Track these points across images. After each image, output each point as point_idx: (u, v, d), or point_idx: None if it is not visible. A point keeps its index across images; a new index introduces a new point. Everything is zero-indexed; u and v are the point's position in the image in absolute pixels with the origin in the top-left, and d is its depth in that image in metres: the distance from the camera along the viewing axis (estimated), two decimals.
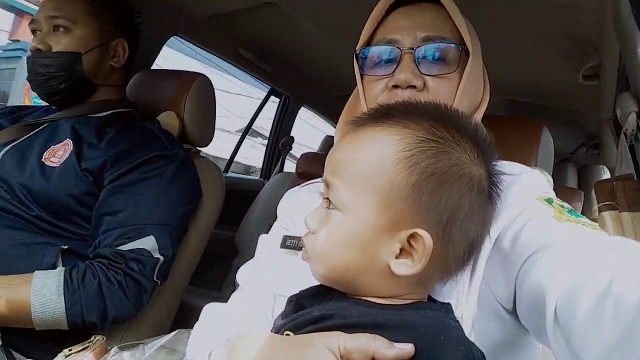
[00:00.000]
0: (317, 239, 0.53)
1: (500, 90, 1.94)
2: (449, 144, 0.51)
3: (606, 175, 2.66)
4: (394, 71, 0.69)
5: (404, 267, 0.50)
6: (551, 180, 0.91)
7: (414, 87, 0.67)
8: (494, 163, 0.55)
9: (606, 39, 1.10)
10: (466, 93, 0.69)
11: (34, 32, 1.15)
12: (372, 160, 0.51)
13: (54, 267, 0.97)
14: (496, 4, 1.22)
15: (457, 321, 0.51)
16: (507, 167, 0.67)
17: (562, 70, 1.53)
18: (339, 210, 0.52)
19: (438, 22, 0.70)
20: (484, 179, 0.53)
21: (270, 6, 1.46)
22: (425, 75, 0.68)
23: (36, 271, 0.94)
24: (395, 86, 0.68)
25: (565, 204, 0.60)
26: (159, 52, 1.71)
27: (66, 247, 1.01)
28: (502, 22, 1.33)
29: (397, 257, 0.50)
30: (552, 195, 0.63)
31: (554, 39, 1.38)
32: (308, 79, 2.32)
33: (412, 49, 0.68)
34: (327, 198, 0.54)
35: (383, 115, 0.55)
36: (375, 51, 0.72)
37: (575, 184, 2.78)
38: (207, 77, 1.38)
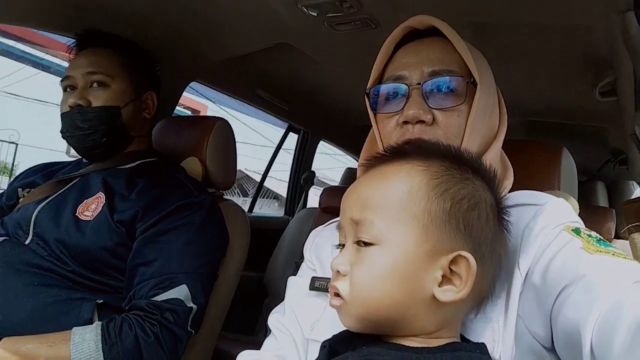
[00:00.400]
0: (354, 280, 0.52)
1: (520, 111, 1.93)
2: (466, 173, 0.54)
3: (637, 190, 2.59)
4: (403, 107, 0.70)
5: (450, 293, 0.50)
6: (576, 204, 0.90)
7: (423, 122, 0.68)
8: (500, 192, 0.58)
9: (619, 57, 1.09)
10: (477, 124, 0.69)
11: (66, 88, 1.19)
12: (403, 191, 0.52)
13: (90, 322, 0.98)
14: (506, 30, 1.23)
15: None
16: (531, 197, 0.67)
17: (579, 89, 1.52)
18: (376, 245, 0.51)
19: (444, 56, 0.71)
20: (495, 205, 0.56)
21: (284, 46, 1.51)
22: (434, 109, 0.69)
23: (74, 327, 0.95)
24: (406, 122, 0.69)
25: (594, 233, 0.59)
26: (179, 99, 1.76)
27: (101, 301, 1.02)
28: (514, 47, 1.35)
29: (439, 285, 0.50)
30: (580, 224, 0.62)
31: (568, 59, 1.38)
32: (324, 113, 2.35)
33: (420, 84, 0.69)
34: (359, 240, 0.53)
35: (399, 153, 0.57)
36: (385, 89, 0.73)
37: (606, 201, 2.71)
38: (226, 120, 1.42)
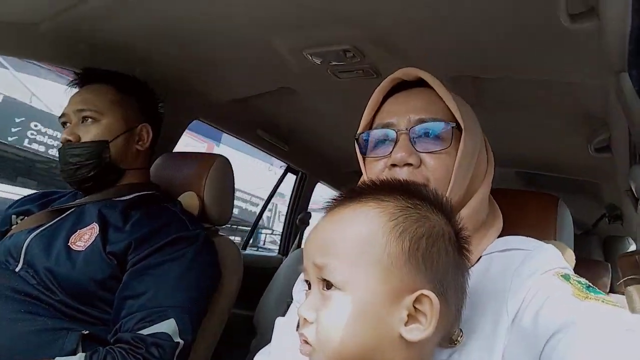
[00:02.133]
0: (320, 326, 0.52)
1: (516, 163, 1.96)
2: (423, 209, 0.55)
3: (632, 246, 2.59)
4: (391, 151, 0.72)
5: (416, 332, 0.50)
6: (572, 254, 0.90)
7: (411, 164, 0.70)
8: (456, 222, 0.58)
9: (614, 114, 1.12)
10: (464, 167, 0.71)
11: (63, 124, 1.23)
12: (362, 235, 0.53)
13: (74, 353, 0.96)
14: (504, 84, 1.27)
15: None
16: (521, 242, 0.68)
17: (574, 144, 1.55)
18: (340, 290, 0.51)
19: (429, 105, 0.74)
20: (454, 236, 0.56)
21: (287, 90, 1.54)
22: (421, 152, 0.71)
23: (57, 358, 0.93)
24: (394, 165, 0.71)
25: (583, 280, 0.59)
26: (181, 136, 1.79)
27: (87, 332, 1.00)
28: (511, 100, 1.38)
29: (405, 325, 0.50)
30: (569, 270, 0.63)
31: (563, 114, 1.42)
32: (323, 156, 2.37)
33: (407, 129, 0.72)
34: (323, 280, 0.53)
35: (355, 194, 0.58)
36: (374, 134, 0.77)
37: (601, 255, 2.71)
38: (226, 157, 1.43)
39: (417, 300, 0.50)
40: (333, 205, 0.59)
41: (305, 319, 0.54)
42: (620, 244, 2.74)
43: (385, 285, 0.50)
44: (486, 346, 0.58)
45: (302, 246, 2.60)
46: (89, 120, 1.20)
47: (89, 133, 1.19)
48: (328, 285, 0.52)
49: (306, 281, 0.58)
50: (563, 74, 1.16)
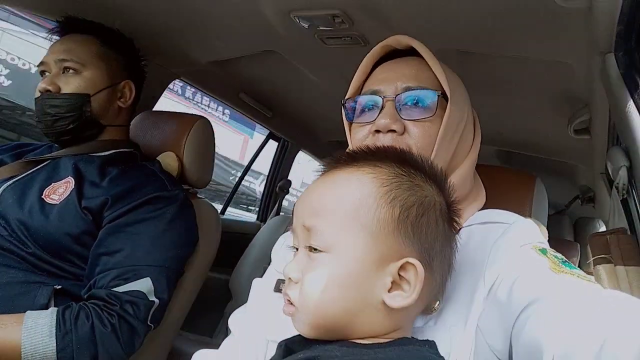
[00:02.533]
0: (305, 287, 0.52)
1: (496, 141, 1.98)
2: (417, 178, 0.55)
3: (602, 228, 2.67)
4: (376, 117, 0.72)
5: (399, 299, 0.51)
6: (546, 231, 0.92)
7: (394, 131, 0.70)
8: (449, 194, 0.59)
9: (596, 96, 1.13)
10: (447, 138, 0.72)
11: (42, 73, 1.18)
12: (353, 199, 0.53)
13: (46, 307, 0.95)
14: (489, 60, 1.27)
15: (442, 356, 0.52)
16: (500, 215, 0.69)
17: (554, 125, 1.57)
18: (326, 252, 0.52)
19: (418, 73, 0.74)
20: (446, 208, 0.57)
21: (272, 54, 1.51)
22: (406, 120, 0.71)
23: (28, 311, 0.92)
24: (378, 131, 0.71)
25: (559, 255, 0.61)
26: (161, 94, 1.75)
27: (59, 287, 1.00)
28: (496, 77, 1.38)
29: (389, 291, 0.51)
30: (546, 245, 0.64)
31: (546, 94, 1.43)
32: (306, 124, 2.36)
33: (393, 97, 0.72)
34: (308, 244, 0.53)
35: (350, 158, 0.58)
36: (361, 100, 0.77)
37: (572, 236, 2.79)
38: (207, 119, 1.41)
39: (402, 267, 0.51)
40: (327, 169, 0.59)
41: (290, 278, 0.54)
42: (590, 226, 2.82)
43: (372, 250, 0.51)
44: (462, 315, 0.60)
45: (283, 213, 2.61)
46: (71, 71, 1.16)
47: (70, 84, 1.15)
48: (314, 249, 0.53)
49: (293, 246, 0.58)
50: (549, 53, 1.16)
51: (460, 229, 0.72)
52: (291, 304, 0.54)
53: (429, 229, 0.53)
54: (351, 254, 0.51)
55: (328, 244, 0.52)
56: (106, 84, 1.20)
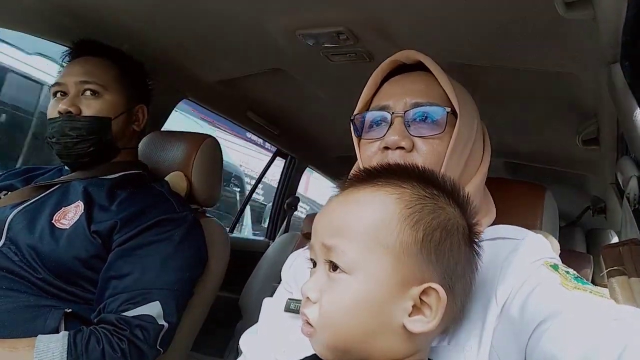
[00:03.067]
0: (323, 308, 0.51)
1: (504, 153, 1.97)
2: (439, 199, 0.54)
3: (614, 239, 2.63)
4: (385, 133, 0.72)
5: (420, 324, 0.50)
6: (557, 245, 0.91)
7: (403, 148, 0.70)
8: (471, 216, 0.58)
9: (603, 106, 1.13)
10: (457, 154, 0.71)
11: (56, 94, 1.18)
12: (376, 220, 0.52)
13: (56, 330, 0.95)
14: (495, 73, 1.27)
15: None
16: (510, 231, 0.68)
17: (563, 136, 1.56)
18: (347, 273, 0.51)
19: (427, 89, 0.74)
20: (467, 230, 0.56)
21: (278, 72, 1.53)
22: (415, 137, 0.71)
23: (39, 335, 0.92)
24: (386, 147, 0.71)
25: (571, 270, 0.60)
26: (169, 115, 1.76)
27: (70, 310, 0.99)
28: (502, 89, 1.38)
29: (409, 315, 0.50)
30: (558, 260, 0.63)
31: (553, 105, 1.42)
32: (314, 140, 2.36)
33: (402, 113, 0.72)
34: (330, 262, 0.52)
35: (372, 177, 0.57)
36: (370, 116, 0.76)
37: (584, 248, 2.75)
38: (214, 138, 1.42)
39: (424, 292, 0.50)
40: (347, 186, 0.58)
41: (308, 297, 0.53)
42: (603, 237, 2.78)
43: (394, 274, 0.50)
44: (475, 334, 0.58)
45: (291, 230, 2.59)
46: (90, 93, 1.16)
47: (91, 107, 1.15)
48: (334, 267, 0.52)
49: (311, 259, 0.57)
50: (555, 64, 1.16)
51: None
52: (309, 324, 0.52)
53: (451, 252, 0.52)
54: (373, 277, 0.50)
55: (349, 265, 0.51)
56: (125, 109, 1.21)
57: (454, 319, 0.55)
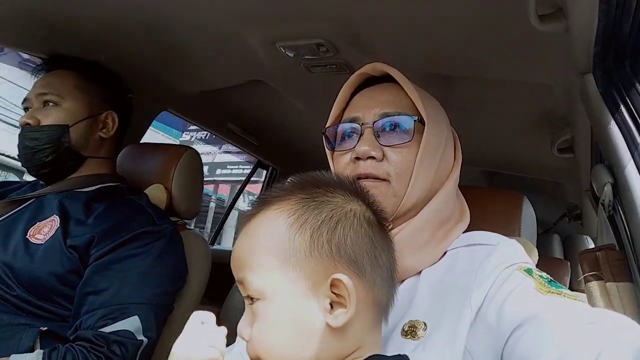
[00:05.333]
0: (255, 340, 0.52)
1: (481, 162, 2.00)
2: (322, 195, 0.55)
3: (590, 245, 2.69)
4: (356, 144, 0.73)
5: (341, 317, 0.50)
6: (536, 251, 0.92)
7: (374, 158, 0.71)
8: (369, 198, 0.59)
9: (577, 115, 1.15)
10: (426, 161, 0.72)
11: (26, 110, 1.19)
12: (266, 239, 0.53)
13: (31, 349, 0.93)
14: (471, 83, 1.29)
15: None
16: (484, 237, 0.69)
17: (538, 144, 1.59)
18: (261, 300, 0.52)
19: (395, 99, 0.76)
20: (367, 212, 0.56)
21: (258, 83, 1.53)
22: (384, 146, 0.72)
23: (12, 355, 0.89)
24: (358, 158, 0.72)
25: (545, 274, 0.61)
26: (149, 126, 1.75)
27: (45, 328, 0.97)
28: (478, 99, 1.41)
29: (330, 313, 0.50)
30: (531, 265, 0.64)
31: (528, 115, 1.46)
32: (294, 151, 2.36)
33: (372, 123, 0.73)
34: (247, 296, 0.53)
35: (261, 203, 0.58)
36: (341, 128, 0.78)
37: (561, 254, 2.80)
38: (195, 150, 1.41)
39: (333, 285, 0.50)
40: (246, 220, 0.59)
41: (243, 337, 0.54)
42: (579, 243, 2.83)
43: (300, 281, 0.51)
44: (449, 340, 0.59)
45: None
46: (50, 104, 1.16)
47: (49, 117, 1.15)
48: (252, 299, 0.53)
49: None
50: (529, 75, 1.19)
51: (444, 251, 0.72)
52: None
53: (346, 238, 0.52)
54: (282, 292, 0.51)
55: (259, 291, 0.52)
56: (86, 115, 1.20)
57: (382, 300, 0.55)
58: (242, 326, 0.54)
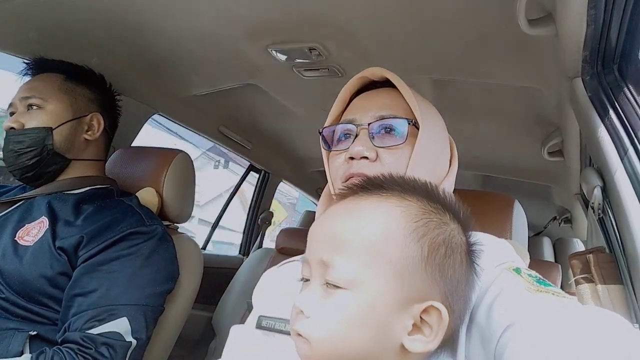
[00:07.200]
0: (318, 323, 0.48)
1: (472, 166, 2.01)
2: (442, 213, 0.53)
3: (580, 247, 2.71)
4: (350, 145, 0.74)
5: (419, 344, 0.48)
6: (527, 254, 0.93)
7: (367, 158, 0.72)
8: (470, 234, 0.56)
9: (566, 119, 1.17)
10: (419, 164, 0.73)
11: (12, 114, 1.18)
12: (380, 233, 0.49)
13: (20, 354, 0.91)
14: (463, 87, 1.30)
15: None
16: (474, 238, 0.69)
17: (529, 148, 1.61)
18: (345, 289, 0.48)
19: (392, 103, 0.77)
20: (467, 248, 0.54)
21: (250, 87, 1.53)
22: (379, 147, 0.73)
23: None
24: (352, 158, 0.73)
25: (534, 273, 0.61)
26: (139, 130, 1.73)
27: (35, 333, 0.96)
28: (470, 103, 1.42)
29: (409, 334, 0.48)
30: (520, 264, 0.64)
31: (519, 119, 1.47)
32: (287, 155, 2.37)
33: (367, 125, 0.74)
34: (326, 279, 0.49)
35: (375, 187, 0.55)
36: (338, 129, 0.79)
37: (552, 256, 2.81)
38: (186, 153, 1.40)
39: (425, 310, 0.48)
40: (347, 194, 0.55)
41: (301, 311, 0.49)
42: (570, 246, 2.85)
43: (396, 290, 0.47)
44: (448, 346, 0.58)
45: (263, 245, 2.55)
46: (34, 107, 1.16)
47: (33, 120, 1.14)
48: (332, 284, 0.49)
49: (302, 279, 0.54)
50: (519, 79, 1.20)
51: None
52: (302, 340, 0.48)
53: (454, 270, 0.50)
54: (374, 293, 0.47)
55: (349, 280, 0.48)
56: (70, 117, 1.19)
57: (450, 339, 0.53)
58: (305, 302, 0.49)
